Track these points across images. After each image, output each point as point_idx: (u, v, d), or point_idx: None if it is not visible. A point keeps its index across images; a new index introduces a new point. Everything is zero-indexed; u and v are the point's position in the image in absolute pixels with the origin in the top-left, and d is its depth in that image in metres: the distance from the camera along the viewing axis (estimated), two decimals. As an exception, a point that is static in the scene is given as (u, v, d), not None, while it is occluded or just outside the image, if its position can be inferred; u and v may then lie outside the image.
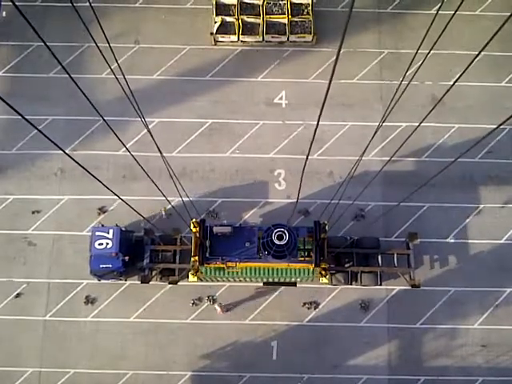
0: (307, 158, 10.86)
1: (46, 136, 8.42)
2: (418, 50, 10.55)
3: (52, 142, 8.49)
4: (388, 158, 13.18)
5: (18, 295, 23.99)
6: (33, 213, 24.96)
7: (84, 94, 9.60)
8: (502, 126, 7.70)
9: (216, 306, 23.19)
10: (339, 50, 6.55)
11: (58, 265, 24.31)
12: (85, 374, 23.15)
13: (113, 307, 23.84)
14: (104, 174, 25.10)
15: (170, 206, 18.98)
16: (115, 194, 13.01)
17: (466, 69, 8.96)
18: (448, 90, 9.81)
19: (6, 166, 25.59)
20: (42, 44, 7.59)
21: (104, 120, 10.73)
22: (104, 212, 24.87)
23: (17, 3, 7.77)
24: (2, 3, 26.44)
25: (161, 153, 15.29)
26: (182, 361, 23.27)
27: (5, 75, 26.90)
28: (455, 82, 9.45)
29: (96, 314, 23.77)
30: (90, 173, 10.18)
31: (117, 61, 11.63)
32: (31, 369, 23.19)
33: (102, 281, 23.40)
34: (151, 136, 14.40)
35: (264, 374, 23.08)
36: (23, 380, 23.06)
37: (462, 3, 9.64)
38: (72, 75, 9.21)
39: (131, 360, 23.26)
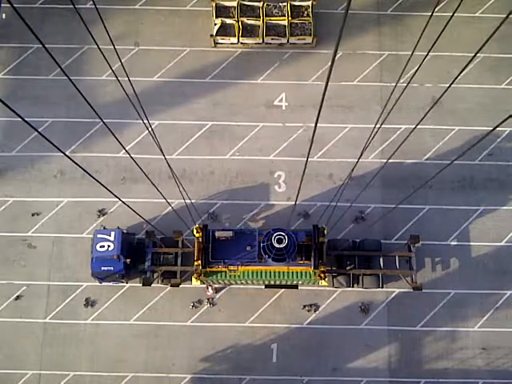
0: (307, 160, 10.84)
1: (46, 139, 8.40)
2: (413, 51, 10.49)
3: (53, 144, 8.47)
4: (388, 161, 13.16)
5: (17, 298, 23.97)
6: (32, 215, 24.94)
7: (83, 96, 9.56)
8: (502, 129, 7.69)
9: (208, 290, 23.31)
10: (334, 55, 6.52)
11: (58, 267, 24.29)
12: (84, 377, 23.11)
13: (113, 310, 23.82)
14: (104, 176, 25.08)
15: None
16: (116, 197, 12.98)
17: (463, 70, 8.90)
18: (445, 91, 9.77)
19: (6, 169, 25.57)
20: (42, 46, 7.55)
21: (103, 122, 10.68)
22: (104, 214, 24.84)
23: (16, 5, 7.74)
24: (2, 5, 26.40)
25: (163, 154, 15.28)
26: (182, 363, 23.25)
27: (4, 77, 26.87)
28: (452, 83, 9.43)
29: (96, 316, 23.75)
30: (90, 175, 10.18)
31: (121, 61, 11.55)
32: (31, 371, 23.16)
33: (103, 283, 23.39)
34: (153, 138, 14.37)
35: (264, 377, 23.05)
36: (23, 382, 23.03)
37: (459, 5, 9.60)
38: (71, 77, 9.20)
39: (131, 362, 23.25)
